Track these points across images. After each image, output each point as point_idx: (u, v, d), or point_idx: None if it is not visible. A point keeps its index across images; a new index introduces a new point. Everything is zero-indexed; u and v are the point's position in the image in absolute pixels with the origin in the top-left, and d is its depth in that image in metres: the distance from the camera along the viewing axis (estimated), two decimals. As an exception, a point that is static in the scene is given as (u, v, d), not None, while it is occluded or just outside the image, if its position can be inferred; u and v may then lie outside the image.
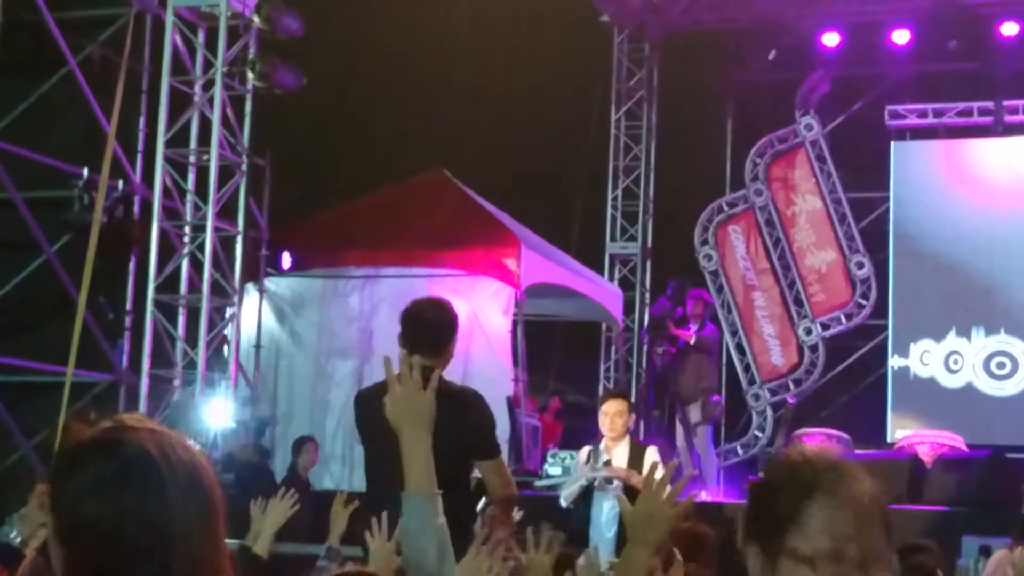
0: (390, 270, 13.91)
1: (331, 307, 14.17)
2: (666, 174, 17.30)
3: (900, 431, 15.69)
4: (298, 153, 15.63)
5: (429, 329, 5.56)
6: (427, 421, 3.38)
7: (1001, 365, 15.81)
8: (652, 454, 8.80)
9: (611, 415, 8.81)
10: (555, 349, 15.81)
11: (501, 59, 16.29)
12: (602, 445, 8.89)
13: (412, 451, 3.37)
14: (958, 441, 14.76)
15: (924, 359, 16.04)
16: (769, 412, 16.38)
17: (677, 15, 17.02)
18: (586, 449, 9.07)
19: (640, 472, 8.71)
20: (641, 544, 3.28)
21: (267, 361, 14.09)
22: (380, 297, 13.52)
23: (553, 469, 13.94)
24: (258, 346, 13.84)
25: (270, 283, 14.23)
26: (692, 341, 14.58)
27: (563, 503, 9.00)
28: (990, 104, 16.42)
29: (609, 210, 17.26)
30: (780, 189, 16.94)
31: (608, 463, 8.78)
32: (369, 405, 5.18)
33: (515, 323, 13.67)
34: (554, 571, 4.19)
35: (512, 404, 13.59)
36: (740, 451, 16.45)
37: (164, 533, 1.96)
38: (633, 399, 16.46)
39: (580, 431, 15.49)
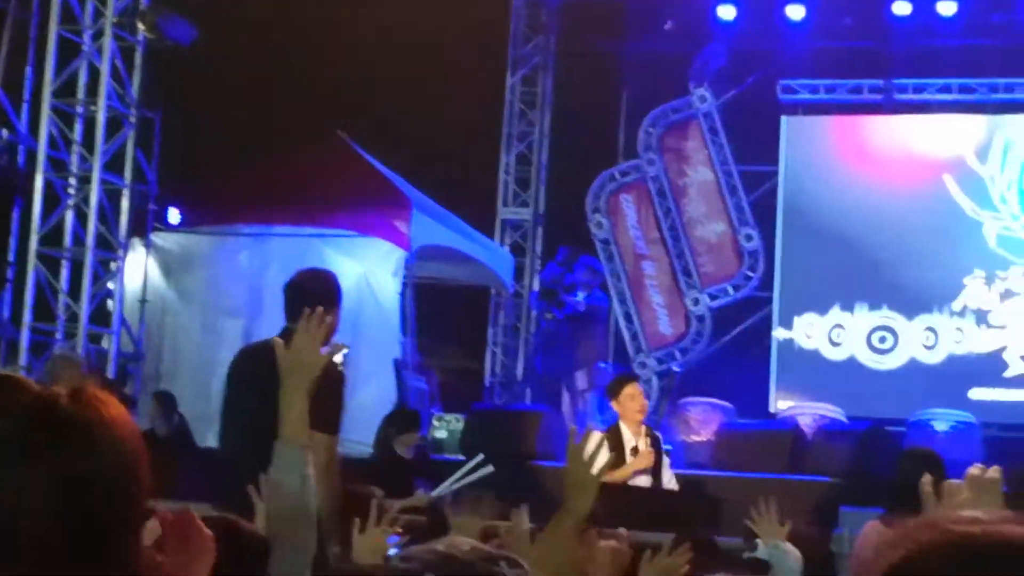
0: (281, 229, 13.82)
1: (220, 265, 14.05)
2: (560, 141, 17.31)
3: (783, 402, 15.90)
4: (193, 108, 15.43)
5: (305, 298, 5.55)
6: (312, 376, 3.39)
7: (883, 339, 16.06)
8: (645, 456, 8.79)
9: (638, 396, 8.80)
10: (444, 312, 15.80)
11: (398, 21, 16.18)
12: (626, 430, 8.77)
13: (291, 402, 3.38)
14: (839, 413, 15.00)
15: (808, 332, 16.25)
16: (655, 380, 16.50)
17: (575, -19, 17.04)
18: (599, 434, 8.77)
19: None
20: (570, 512, 3.31)
21: (153, 318, 13.93)
22: (270, 256, 13.42)
23: (439, 433, 13.99)
24: (143, 301, 13.68)
25: (157, 238, 14.07)
26: (582, 308, 14.65)
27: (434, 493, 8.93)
28: (881, 82, 16.63)
29: (502, 175, 17.25)
30: (673, 160, 17.04)
31: (635, 450, 8.70)
32: (250, 360, 5.15)
33: (405, 285, 13.64)
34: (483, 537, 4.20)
35: (399, 367, 13.57)
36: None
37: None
38: (520, 365, 16.62)
39: (465, 395, 15.56)
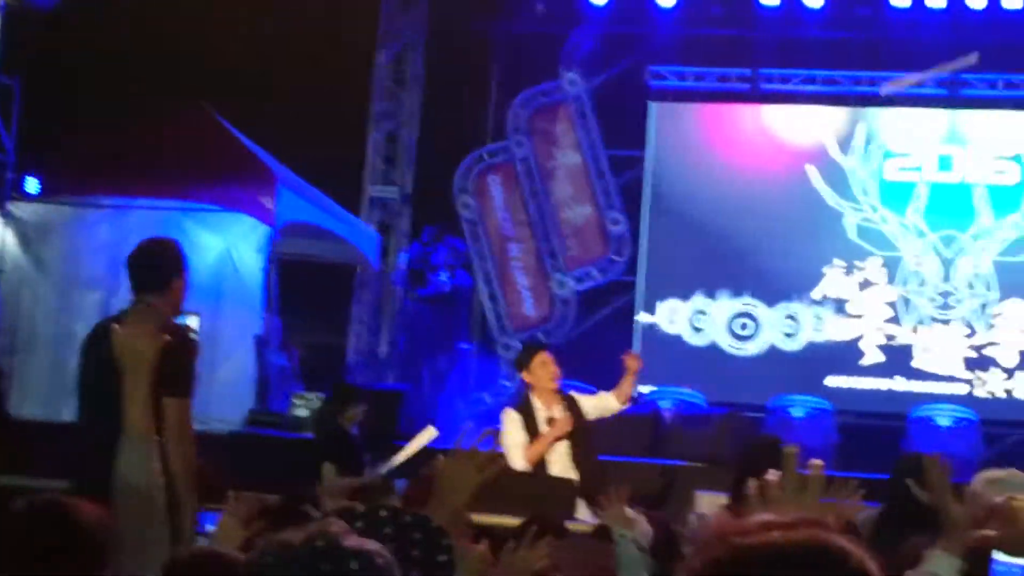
0: (142, 201, 13.62)
1: (79, 236, 13.81)
2: (429, 120, 17.24)
3: (644, 386, 16.02)
4: (54, 76, 15.12)
5: (149, 268, 5.52)
6: (149, 364, 3.33)
7: (744, 326, 16.27)
8: (579, 396, 8.68)
9: (550, 363, 8.60)
10: (308, 290, 15.68)
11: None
12: (538, 401, 8.57)
13: (132, 397, 3.32)
14: (698, 398, 15.18)
15: (671, 317, 16.40)
16: (519, 362, 16.51)
17: (447, -40, 16.99)
18: (515, 414, 8.56)
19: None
20: (444, 506, 3.31)
21: (9, 289, 13.66)
22: (130, 228, 13.17)
23: (300, 411, 13.89)
24: (-1, 272, 13.41)
25: (15, 208, 13.78)
26: (447, 289, 14.65)
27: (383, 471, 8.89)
28: (748, 71, 16.81)
29: (370, 153, 17.13)
30: (541, 142, 17.07)
31: (551, 420, 8.48)
32: (105, 335, 5.07)
33: (268, 261, 13.51)
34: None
35: (261, 343, 13.45)
36: (488, 399, 16.56)
37: None
38: (384, 345, 16.54)
39: (327, 373, 15.46)
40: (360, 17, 16.86)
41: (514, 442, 8.35)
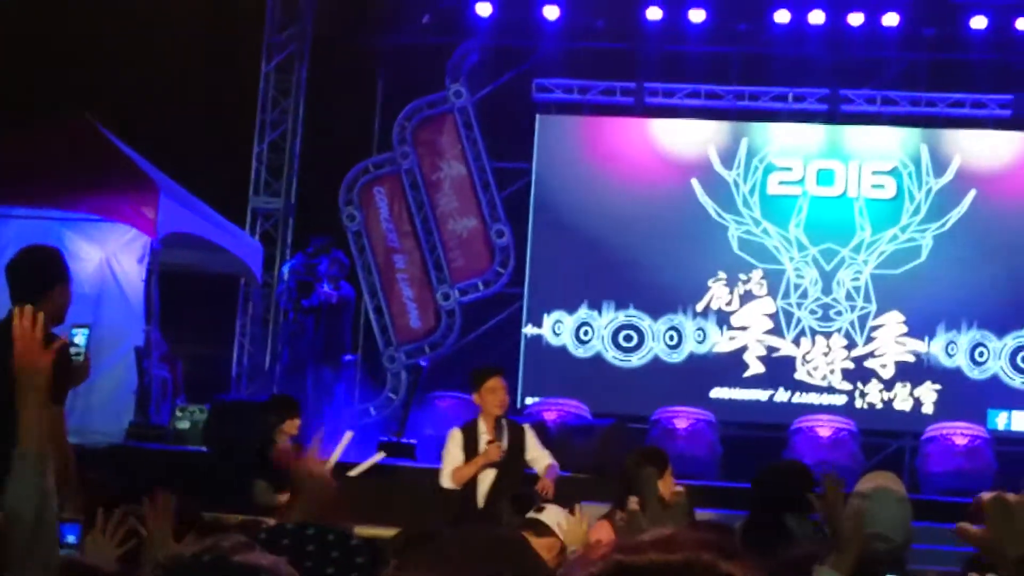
0: (21, 211, 13.38)
1: (-45, 246, 13.52)
2: (315, 131, 17.15)
3: (530, 398, 16.06)
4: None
5: (28, 277, 5.40)
6: (42, 380, 3.26)
7: (628, 338, 16.36)
8: (530, 432, 8.75)
9: (499, 390, 8.73)
10: (191, 301, 15.50)
11: (154, 7, 15.83)
12: (483, 424, 8.72)
13: (28, 409, 3.25)
14: (583, 409, 15.23)
15: (556, 329, 16.45)
16: (404, 374, 16.49)
17: (333, -29, 16.93)
18: (458, 433, 8.78)
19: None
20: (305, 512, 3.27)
21: None
22: (8, 239, 12.95)
23: (181, 424, 13.72)
24: None
25: None
26: (334, 301, 14.58)
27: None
28: (633, 85, 16.92)
29: (255, 164, 17.00)
30: (427, 154, 17.05)
31: (491, 443, 8.63)
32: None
33: (149, 272, 13.34)
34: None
35: (141, 355, 13.27)
36: (373, 412, 16.51)
37: None
38: (268, 357, 16.41)
39: (211, 386, 15.31)
40: (245, 28, 16.73)
41: (447, 459, 8.65)
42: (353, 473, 9.10)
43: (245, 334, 16.64)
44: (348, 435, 9.19)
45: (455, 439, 8.72)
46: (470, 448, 8.68)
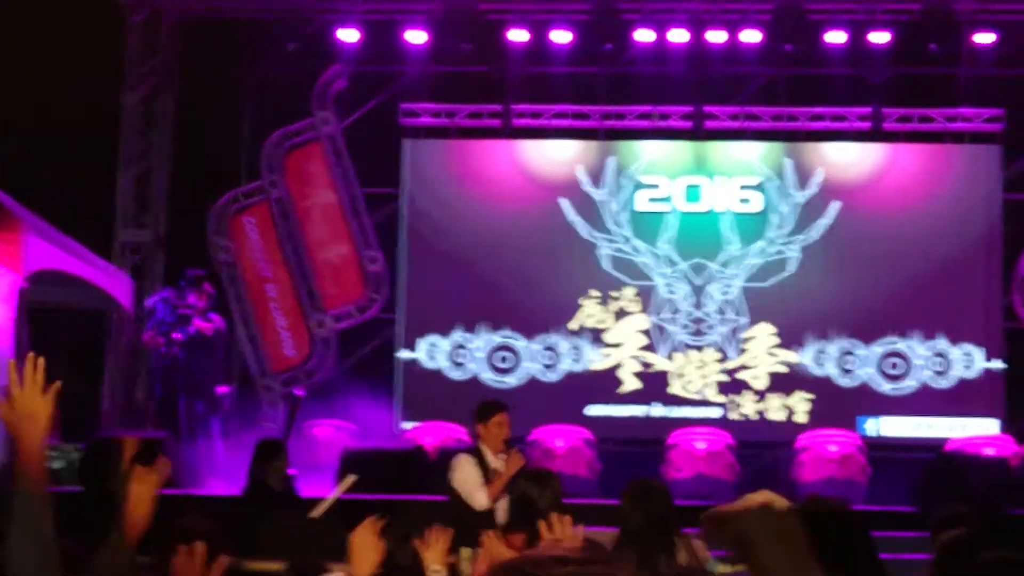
0: None
1: None
2: (182, 162, 16.99)
3: (408, 422, 16.04)
4: None
5: None
6: (43, 424, 3.23)
7: (504, 359, 16.41)
8: (517, 458, 8.73)
9: (506, 425, 8.86)
10: (60, 338, 15.26)
11: (11, 38, 15.57)
12: (490, 456, 8.84)
13: (30, 451, 3.21)
14: (462, 432, 15.23)
15: (432, 352, 16.45)
16: (281, 403, 16.37)
17: (194, 1, 16.80)
18: (471, 457, 8.82)
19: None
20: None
21: None
22: None
23: (56, 463, 13.48)
24: None
25: None
26: (209, 333, 14.45)
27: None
28: (499, 107, 17.00)
29: (120, 197, 16.78)
30: (296, 182, 16.97)
31: (495, 472, 8.74)
32: None
33: (17, 310, 13.10)
34: None
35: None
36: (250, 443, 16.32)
37: None
38: (140, 391, 16.19)
39: (83, 423, 15.05)
40: (106, 59, 16.53)
41: (472, 480, 8.72)
42: (319, 511, 9.12)
43: (116, 369, 16.39)
44: (351, 479, 9.34)
45: (469, 462, 8.85)
46: (483, 470, 8.79)
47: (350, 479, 9.45)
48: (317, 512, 9.37)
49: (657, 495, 6.28)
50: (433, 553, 5.45)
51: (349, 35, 16.53)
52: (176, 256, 16.69)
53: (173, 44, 16.89)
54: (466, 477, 8.82)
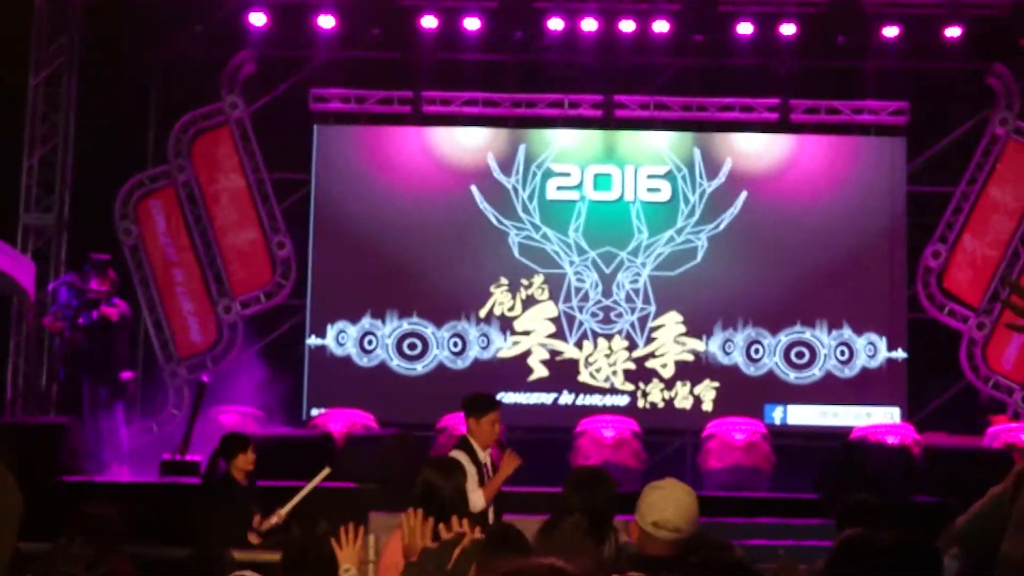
0: None
1: None
2: (88, 145, 16.76)
3: (316, 409, 15.98)
4: None
5: None
6: None
7: (413, 346, 16.38)
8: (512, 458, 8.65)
9: (498, 423, 8.77)
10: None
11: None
12: (480, 452, 8.76)
13: None
14: (369, 419, 15.22)
15: (340, 339, 16.39)
16: (187, 389, 16.24)
17: (102, -17, 16.59)
18: (465, 456, 8.62)
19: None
20: None
21: None
22: None
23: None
24: None
25: None
26: (114, 319, 14.30)
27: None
28: (409, 93, 16.95)
29: (24, 180, 16.54)
30: (204, 166, 16.82)
31: (485, 467, 8.72)
32: None
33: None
34: None
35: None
36: (156, 428, 16.21)
37: None
38: (45, 374, 15.99)
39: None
40: (11, 40, 16.27)
41: (472, 481, 8.54)
42: (290, 505, 9.09)
43: (19, 354, 16.17)
44: (325, 471, 9.31)
45: (464, 460, 8.75)
46: (477, 469, 8.75)
47: (324, 471, 9.42)
48: (288, 506, 9.37)
49: (603, 486, 6.28)
50: (347, 552, 5.43)
51: (258, 19, 16.41)
52: (81, 240, 16.47)
53: (79, 26, 16.65)
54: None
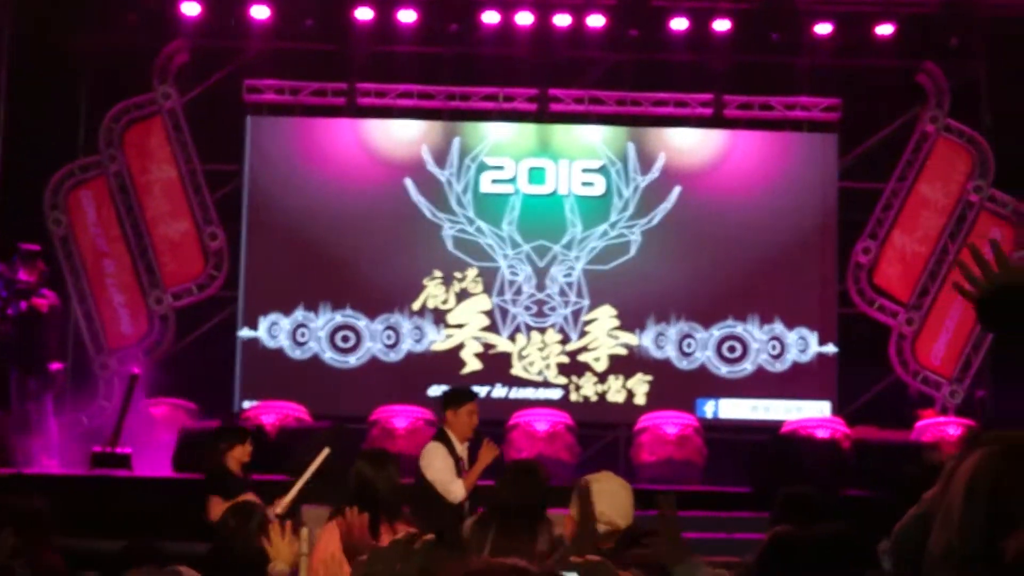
0: None
1: None
2: (16, 135, 16.57)
3: (248, 401, 15.90)
4: None
5: None
6: None
7: (346, 339, 16.34)
8: (490, 448, 8.61)
9: (475, 415, 8.80)
10: None
11: None
12: (457, 444, 8.78)
13: None
14: (302, 412, 15.16)
15: (273, 331, 16.32)
16: (117, 381, 16.10)
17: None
18: (443, 446, 8.68)
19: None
20: None
21: None
22: None
23: None
24: None
25: None
26: (45, 310, 14.18)
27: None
28: (344, 85, 16.89)
29: (-48, 169, 16.34)
30: (135, 157, 16.69)
31: (460, 460, 8.73)
32: None
33: None
34: None
35: None
36: (86, 420, 16.06)
37: None
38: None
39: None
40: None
41: (447, 472, 8.67)
42: (290, 497, 9.02)
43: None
44: (325, 451, 9.20)
45: (441, 451, 8.73)
46: (454, 460, 8.73)
47: (324, 452, 9.30)
48: (287, 498, 9.27)
49: (535, 479, 6.28)
50: (278, 546, 5.41)
51: (192, 8, 16.29)
52: (10, 230, 16.29)
53: (8, 12, 16.46)
54: (441, 467, 8.75)
